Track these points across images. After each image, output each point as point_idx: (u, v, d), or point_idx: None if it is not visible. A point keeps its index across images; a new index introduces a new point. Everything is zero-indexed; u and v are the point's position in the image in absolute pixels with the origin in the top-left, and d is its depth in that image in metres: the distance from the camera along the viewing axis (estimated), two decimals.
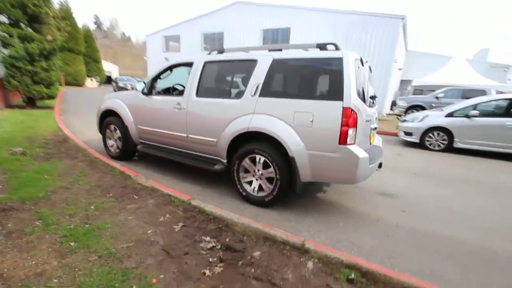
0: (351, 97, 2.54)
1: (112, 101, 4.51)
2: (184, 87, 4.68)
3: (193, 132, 3.51)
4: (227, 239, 2.35)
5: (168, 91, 4.36)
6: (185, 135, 3.60)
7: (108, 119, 4.54)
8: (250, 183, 3.17)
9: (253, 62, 3.13)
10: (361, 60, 2.87)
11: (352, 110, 2.54)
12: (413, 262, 2.21)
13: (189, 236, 2.36)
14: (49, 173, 3.53)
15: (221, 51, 3.62)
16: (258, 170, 3.05)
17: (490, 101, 6.25)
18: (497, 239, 2.68)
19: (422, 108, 11.55)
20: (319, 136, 2.67)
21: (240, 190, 3.19)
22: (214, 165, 3.41)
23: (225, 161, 3.33)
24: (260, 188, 3.10)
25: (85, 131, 6.43)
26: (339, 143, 2.58)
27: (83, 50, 25.86)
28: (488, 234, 2.77)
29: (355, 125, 2.59)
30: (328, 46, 2.85)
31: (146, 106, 4.02)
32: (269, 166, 2.95)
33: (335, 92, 2.60)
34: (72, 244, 2.07)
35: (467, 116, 6.19)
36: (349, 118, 2.54)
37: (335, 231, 2.65)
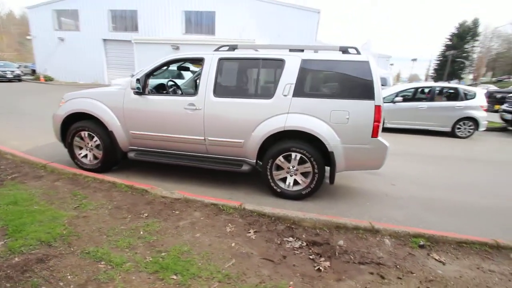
0: (380, 96, 2.99)
1: (83, 102, 3.70)
2: (175, 83, 4.29)
3: (213, 134, 3.33)
4: (304, 235, 2.51)
5: (162, 89, 3.87)
6: (202, 138, 3.38)
7: (78, 124, 3.71)
8: (283, 179, 3.32)
9: (280, 61, 3.19)
10: None
11: (380, 107, 3.00)
12: (436, 222, 2.91)
13: (269, 241, 2.41)
14: (32, 202, 2.74)
15: (233, 48, 3.47)
16: (293, 166, 3.23)
17: (408, 89, 8.06)
18: (456, 193, 3.74)
19: None
20: (354, 131, 3.04)
21: (274, 187, 3.30)
22: (240, 166, 3.37)
23: (253, 161, 3.34)
24: (295, 182, 3.29)
25: (5, 139, 4.96)
26: (372, 136, 3.03)
27: None
28: (448, 191, 3.82)
29: (381, 120, 3.08)
30: (350, 50, 3.20)
31: (142, 108, 3.50)
32: (305, 162, 3.16)
33: (367, 92, 2.99)
34: (175, 277, 1.83)
35: (393, 102, 7.80)
36: (379, 114, 3.00)
37: (371, 211, 3.15)
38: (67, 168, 3.63)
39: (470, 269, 2.15)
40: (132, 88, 3.36)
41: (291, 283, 1.89)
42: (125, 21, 19.94)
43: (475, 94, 7.49)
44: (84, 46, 20.23)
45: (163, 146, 3.59)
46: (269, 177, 3.28)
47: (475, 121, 7.34)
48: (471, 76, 50.23)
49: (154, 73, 3.62)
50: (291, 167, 3.24)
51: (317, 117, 3.07)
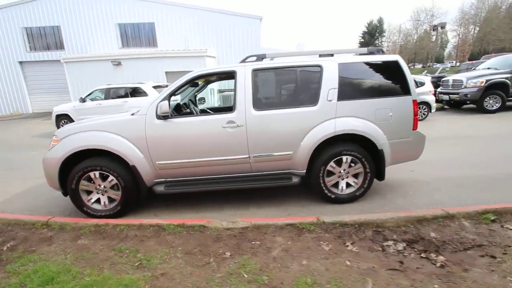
0: (415, 91, 3.21)
1: (92, 136, 3.07)
2: (193, 101, 3.88)
3: (259, 150, 3.11)
4: (395, 236, 2.52)
5: (180, 109, 3.43)
6: (246, 156, 3.11)
7: (85, 164, 3.04)
8: (335, 184, 3.28)
9: (318, 67, 3.16)
10: None
11: (416, 100, 3.22)
12: (476, 198, 3.25)
13: (371, 249, 2.34)
14: (72, 273, 2.12)
15: (261, 58, 3.29)
16: (344, 170, 3.22)
17: None
18: (461, 169, 4.27)
19: None
20: (397, 127, 3.20)
21: (328, 194, 3.23)
22: (290, 180, 3.22)
23: (303, 171, 3.22)
24: (347, 185, 3.29)
25: None
26: (413, 129, 3.23)
27: None
28: (454, 168, 4.33)
29: (418, 112, 3.30)
30: (376, 51, 3.35)
31: (170, 134, 3.06)
32: (356, 163, 3.19)
33: (404, 88, 3.18)
34: None
35: None
36: (417, 108, 3.22)
37: (419, 199, 3.34)
38: (81, 220, 2.93)
39: None
40: (163, 113, 2.89)
41: (436, 286, 1.87)
42: (46, 39, 17.29)
43: (424, 82, 8.70)
44: None
45: (199, 173, 3.19)
46: (322, 185, 3.20)
47: (428, 105, 8.52)
48: None
49: (176, 93, 3.20)
50: (342, 171, 3.22)
51: (363, 118, 3.13)
